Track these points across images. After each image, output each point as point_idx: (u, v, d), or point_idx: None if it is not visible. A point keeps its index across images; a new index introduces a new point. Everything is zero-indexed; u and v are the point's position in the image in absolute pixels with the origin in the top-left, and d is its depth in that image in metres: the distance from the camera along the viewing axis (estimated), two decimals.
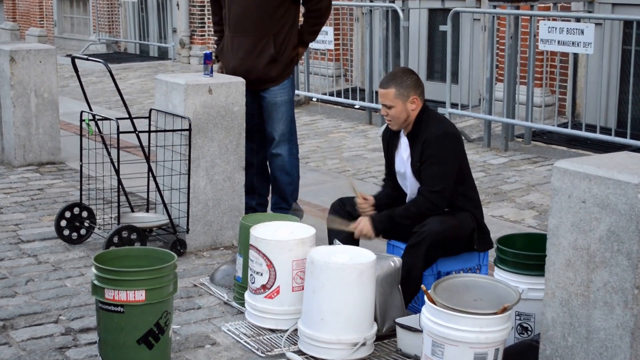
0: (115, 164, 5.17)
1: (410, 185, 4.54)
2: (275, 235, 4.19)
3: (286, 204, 5.74)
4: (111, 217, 5.52)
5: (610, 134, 7.70)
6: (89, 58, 5.61)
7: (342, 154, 8.37)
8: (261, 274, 4.15)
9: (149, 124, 5.46)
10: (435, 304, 3.54)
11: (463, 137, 6.00)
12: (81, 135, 5.40)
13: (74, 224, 5.53)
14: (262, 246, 4.14)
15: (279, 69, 5.57)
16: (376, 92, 6.69)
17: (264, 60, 5.52)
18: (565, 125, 8.36)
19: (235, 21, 5.58)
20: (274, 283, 4.13)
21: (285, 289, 4.13)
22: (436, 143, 4.35)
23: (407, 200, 4.59)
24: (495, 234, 4.56)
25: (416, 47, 10.36)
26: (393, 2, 9.86)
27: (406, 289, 4.20)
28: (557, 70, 8.61)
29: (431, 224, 4.24)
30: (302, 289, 4.03)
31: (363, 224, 4.43)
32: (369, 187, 6.58)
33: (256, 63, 5.53)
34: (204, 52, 5.49)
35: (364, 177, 7.32)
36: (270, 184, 5.84)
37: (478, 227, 4.44)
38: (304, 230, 4.26)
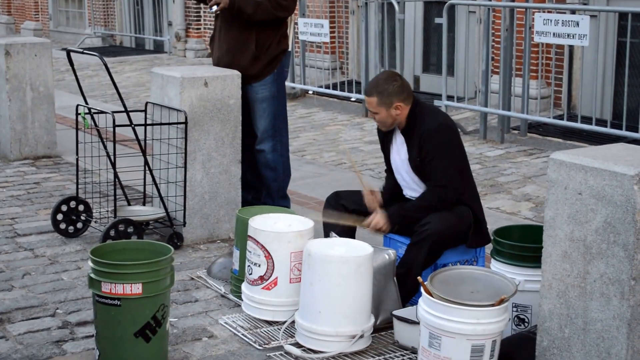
0: (112, 157, 5.17)
1: (406, 180, 4.53)
2: (274, 226, 4.20)
3: (271, 200, 5.72)
4: (108, 211, 5.52)
5: (605, 126, 7.71)
6: (85, 51, 5.59)
7: (338, 146, 8.37)
8: (259, 265, 4.15)
9: (145, 117, 5.46)
10: (432, 295, 3.54)
11: (459, 130, 6.01)
12: (77, 129, 5.39)
13: (70, 217, 5.53)
14: (260, 237, 4.14)
15: (259, 66, 5.51)
16: None
17: (245, 57, 5.48)
18: (561, 117, 8.36)
19: (225, 13, 5.55)
20: (271, 274, 4.13)
21: (282, 280, 4.14)
22: (433, 137, 4.34)
23: (403, 195, 4.59)
24: (491, 226, 4.56)
25: (412, 40, 10.34)
26: None
27: (406, 287, 4.20)
28: (552, 63, 8.61)
29: (433, 223, 4.22)
30: (299, 280, 4.03)
31: (378, 219, 4.44)
32: (366, 180, 6.57)
33: (237, 58, 5.49)
34: None
35: (360, 170, 7.32)
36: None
37: (475, 223, 4.43)
38: (303, 222, 4.27)
